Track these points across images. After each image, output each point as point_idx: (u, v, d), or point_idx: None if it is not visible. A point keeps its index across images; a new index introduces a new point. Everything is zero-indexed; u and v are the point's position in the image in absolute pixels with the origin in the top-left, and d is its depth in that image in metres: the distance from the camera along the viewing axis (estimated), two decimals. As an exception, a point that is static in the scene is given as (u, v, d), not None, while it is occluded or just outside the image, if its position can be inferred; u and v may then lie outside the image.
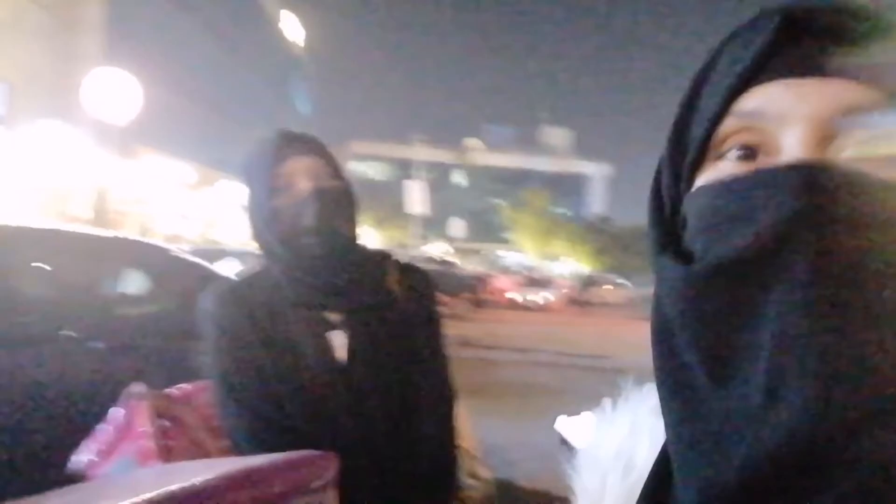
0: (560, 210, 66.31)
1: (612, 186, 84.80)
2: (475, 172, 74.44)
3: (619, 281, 38.92)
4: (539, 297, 26.47)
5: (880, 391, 0.34)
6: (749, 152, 0.42)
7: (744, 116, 0.42)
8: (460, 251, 55.30)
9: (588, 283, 33.15)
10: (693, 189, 0.45)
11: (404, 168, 60.41)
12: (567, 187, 75.37)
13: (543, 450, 5.27)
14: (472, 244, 64.74)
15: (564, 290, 29.75)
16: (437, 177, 69.16)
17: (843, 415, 0.34)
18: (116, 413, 1.44)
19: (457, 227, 41.10)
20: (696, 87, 0.47)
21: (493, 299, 24.57)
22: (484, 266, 49.57)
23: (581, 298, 28.49)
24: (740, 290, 0.38)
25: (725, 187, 0.41)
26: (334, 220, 1.19)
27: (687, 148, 0.46)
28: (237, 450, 1.17)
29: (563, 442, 0.80)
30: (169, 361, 3.18)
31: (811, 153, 0.39)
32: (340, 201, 1.21)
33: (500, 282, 27.58)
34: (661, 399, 0.44)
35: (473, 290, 20.79)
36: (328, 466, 0.82)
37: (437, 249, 38.88)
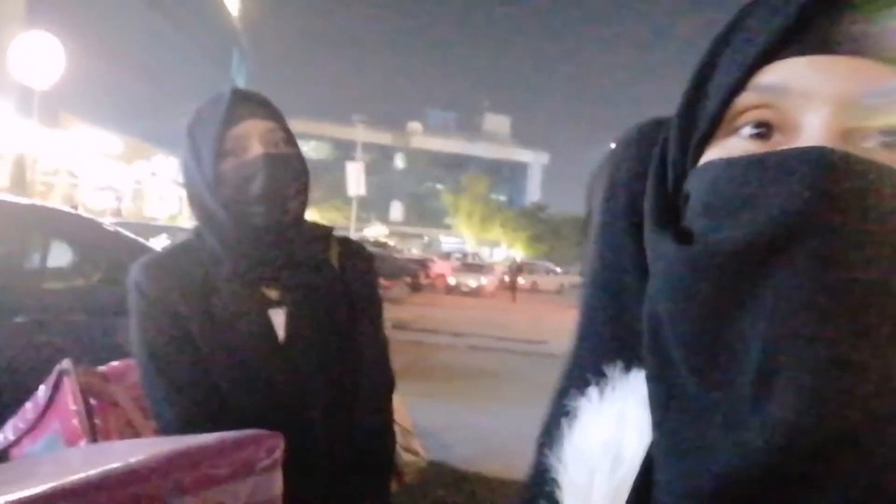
0: (498, 196, 66.92)
1: (548, 174, 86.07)
2: (416, 156, 74.24)
3: (552, 268, 39.71)
4: (475, 281, 26.72)
5: (878, 400, 0.32)
6: (765, 131, 0.39)
7: (763, 92, 0.38)
8: (399, 235, 55.24)
9: (522, 269, 33.61)
10: (700, 164, 0.42)
11: (344, 149, 59.72)
12: (505, 174, 76.04)
13: (478, 433, 5.38)
14: (411, 228, 64.75)
15: (500, 276, 30.14)
16: (378, 159, 68.70)
17: (835, 423, 0.31)
18: (43, 390, 1.37)
19: (396, 210, 40.99)
20: (713, 54, 0.43)
21: (430, 283, 24.65)
22: (422, 250, 49.71)
23: (515, 284, 28.98)
24: (737, 281, 0.35)
25: (733, 167, 0.38)
26: (284, 190, 1.11)
27: (697, 120, 0.43)
28: (165, 431, 1.09)
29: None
30: (97, 337, 3.07)
31: (833, 139, 0.36)
32: (292, 170, 1.13)
33: (439, 266, 27.68)
34: (648, 391, 0.42)
35: (412, 274, 20.81)
36: (275, 446, 0.79)
37: (375, 232, 38.68)
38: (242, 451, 0.75)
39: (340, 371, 1.18)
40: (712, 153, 0.41)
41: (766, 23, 0.39)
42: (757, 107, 0.39)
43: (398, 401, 1.34)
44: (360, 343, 1.22)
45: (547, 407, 0.58)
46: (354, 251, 1.30)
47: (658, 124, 0.51)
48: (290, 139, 1.17)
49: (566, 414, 0.49)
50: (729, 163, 0.39)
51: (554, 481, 0.50)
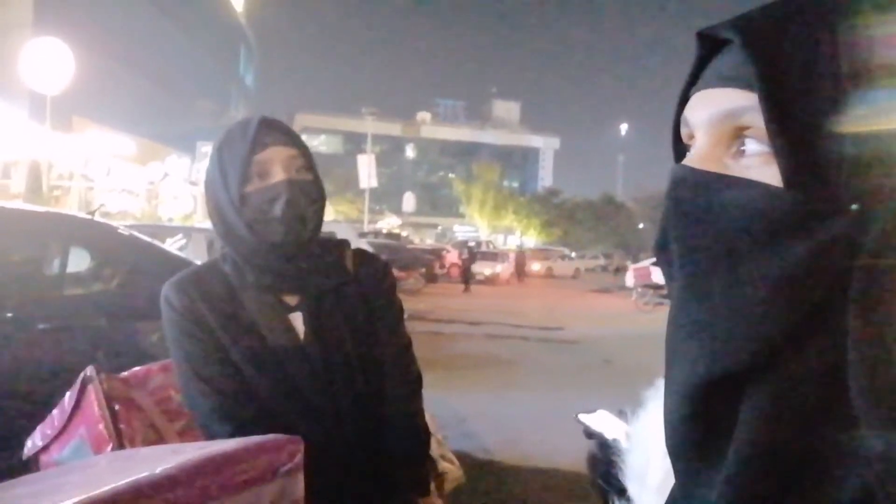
0: (510, 183, 66.72)
1: (560, 159, 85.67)
2: (426, 146, 74.14)
3: (567, 253, 39.59)
4: (489, 269, 26.71)
5: (744, 357, 0.42)
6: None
7: (683, 122, 0.50)
8: (413, 225, 55.26)
9: (537, 255, 33.59)
10: None
11: (354, 142, 59.76)
12: (516, 160, 75.77)
13: (498, 421, 5.40)
14: (424, 218, 64.72)
15: (515, 263, 30.15)
16: (389, 150, 68.69)
17: (717, 376, 0.42)
18: (69, 397, 1.40)
19: (409, 201, 40.99)
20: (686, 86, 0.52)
21: (445, 273, 24.68)
22: (436, 240, 49.68)
23: (522, 270, 29.04)
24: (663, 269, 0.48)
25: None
26: (303, 212, 1.21)
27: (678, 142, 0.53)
28: (206, 432, 1.19)
29: (589, 434, 0.87)
30: (118, 342, 3.12)
31: (703, 152, 0.46)
32: (310, 194, 1.23)
33: (453, 256, 27.69)
34: None
35: (426, 265, 20.82)
36: (296, 450, 0.81)
37: (389, 224, 38.70)
38: (265, 455, 0.77)
39: (364, 371, 1.26)
40: None
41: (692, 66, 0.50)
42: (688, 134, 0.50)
43: (427, 416, 1.39)
44: (381, 344, 1.30)
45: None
46: (369, 259, 1.38)
47: None
48: (309, 165, 1.26)
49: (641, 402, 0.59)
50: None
51: (620, 461, 0.64)
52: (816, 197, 0.40)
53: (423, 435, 1.34)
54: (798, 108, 0.40)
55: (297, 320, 1.24)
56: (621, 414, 0.89)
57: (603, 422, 0.88)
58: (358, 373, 1.25)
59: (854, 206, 0.39)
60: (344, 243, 1.37)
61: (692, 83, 0.48)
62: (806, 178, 0.40)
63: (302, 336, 1.23)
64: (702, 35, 0.47)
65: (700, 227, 0.44)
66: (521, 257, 30.35)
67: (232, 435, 1.07)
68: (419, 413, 1.34)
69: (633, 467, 0.61)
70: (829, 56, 0.40)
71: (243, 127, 1.22)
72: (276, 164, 1.21)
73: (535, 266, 33.13)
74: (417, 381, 1.36)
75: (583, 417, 0.90)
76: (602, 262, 40.89)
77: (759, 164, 0.43)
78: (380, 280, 1.35)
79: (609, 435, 0.85)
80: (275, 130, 1.23)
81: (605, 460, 0.78)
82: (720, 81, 0.45)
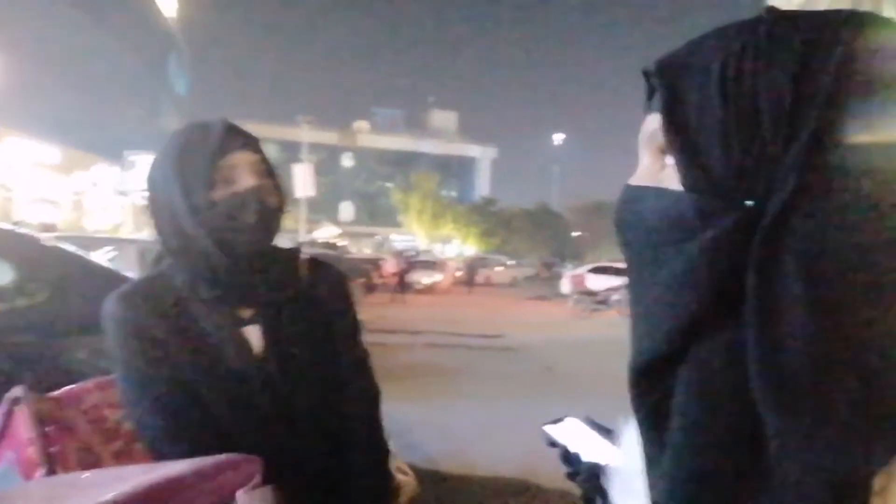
0: (448, 192, 67.03)
1: (497, 168, 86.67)
2: (364, 155, 73.75)
3: (505, 261, 39.98)
4: (428, 278, 26.70)
5: (662, 344, 0.49)
6: None
7: None
8: (351, 235, 54.80)
9: (475, 264, 33.80)
10: None
11: (290, 150, 58.91)
12: (454, 170, 76.16)
13: (441, 431, 5.38)
14: (363, 227, 64.32)
15: (453, 272, 30.24)
16: (326, 159, 68.01)
17: (646, 362, 0.50)
18: (-6, 420, 1.31)
19: (347, 210, 40.62)
20: None
21: (384, 283, 24.55)
22: (374, 249, 49.40)
23: (469, 280, 29.12)
24: None
25: None
26: (273, 218, 1.18)
27: None
28: (156, 453, 1.11)
29: (552, 443, 0.87)
30: (46, 360, 2.95)
31: (642, 170, 0.54)
32: (275, 201, 1.19)
33: (391, 265, 27.59)
34: None
35: (365, 275, 20.66)
36: (253, 471, 0.77)
37: (326, 233, 38.27)
38: (221, 477, 0.73)
39: (323, 384, 1.21)
40: None
41: None
42: None
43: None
44: (339, 355, 1.26)
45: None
46: (324, 268, 1.33)
47: None
48: (270, 171, 1.21)
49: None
50: None
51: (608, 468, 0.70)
52: (710, 198, 0.46)
53: (384, 448, 1.30)
54: (692, 123, 0.47)
55: (252, 333, 1.18)
56: (588, 420, 0.88)
57: (569, 431, 0.87)
58: (316, 387, 1.20)
59: (748, 203, 0.44)
60: (294, 252, 1.32)
61: (646, 112, 0.55)
62: (700, 183, 0.47)
63: (257, 350, 1.17)
64: (645, 72, 0.55)
65: (632, 233, 0.53)
66: (472, 266, 30.38)
67: (185, 455, 1.01)
68: (379, 426, 1.30)
69: (620, 474, 0.65)
70: (719, 77, 0.46)
71: (203, 131, 1.16)
72: (243, 170, 1.15)
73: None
74: (376, 394, 1.33)
75: (547, 428, 0.89)
76: (535, 270, 41.32)
77: (675, 175, 0.49)
78: (336, 290, 1.31)
79: (572, 446, 0.84)
80: (238, 135, 1.18)
81: (576, 472, 0.80)
82: (651, 109, 0.53)
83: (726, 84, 0.46)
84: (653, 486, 0.51)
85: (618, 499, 0.65)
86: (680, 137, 0.48)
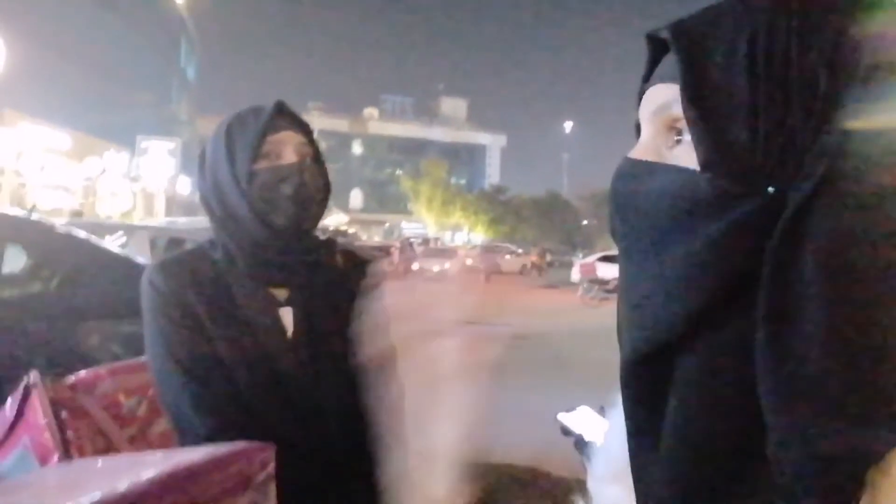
0: (457, 180, 67.01)
1: (507, 156, 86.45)
2: (374, 142, 73.77)
3: (514, 249, 39.96)
4: (438, 266, 26.77)
5: (664, 331, 0.46)
6: None
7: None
8: (360, 222, 54.91)
9: (484, 251, 33.77)
10: None
11: (300, 137, 58.72)
12: (464, 157, 76.11)
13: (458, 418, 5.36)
14: (372, 215, 64.42)
15: (462, 259, 30.25)
16: (336, 146, 68.11)
17: (646, 350, 0.48)
18: (10, 404, 1.32)
19: (356, 197, 40.68)
20: None
21: (392, 270, 24.61)
22: (384, 237, 49.49)
23: (478, 267, 29.14)
24: None
25: None
26: (312, 196, 1.21)
27: None
28: (182, 427, 1.10)
29: (566, 431, 0.87)
30: (60, 346, 2.97)
31: (644, 144, 0.51)
32: (318, 184, 1.23)
33: (396, 256, 27.64)
34: None
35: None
36: (267, 459, 0.77)
37: (336, 221, 38.38)
38: (236, 465, 0.73)
39: (347, 374, 1.21)
40: None
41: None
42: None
43: None
44: (367, 346, 1.26)
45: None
46: (358, 257, 1.36)
47: None
48: (317, 157, 1.25)
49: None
50: None
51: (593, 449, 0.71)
52: (731, 180, 0.43)
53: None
54: (715, 99, 0.44)
55: (286, 316, 1.19)
56: (602, 410, 0.88)
57: (583, 420, 0.87)
58: (344, 374, 1.20)
59: (771, 189, 0.41)
60: (332, 242, 1.35)
61: (645, 81, 0.52)
62: (721, 163, 0.43)
63: (290, 333, 1.19)
64: (650, 37, 0.51)
65: (632, 212, 0.49)
66: (489, 253, 30.18)
67: (212, 430, 1.02)
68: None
69: (595, 462, 0.66)
70: (746, 54, 0.43)
71: (256, 110, 1.21)
72: (289, 147, 1.19)
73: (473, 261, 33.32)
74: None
75: (562, 417, 0.89)
76: (549, 258, 41.31)
77: (689, 152, 0.46)
78: (370, 282, 1.31)
79: (586, 434, 0.84)
80: (289, 116, 1.22)
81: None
82: (660, 79, 0.50)
83: (756, 62, 0.43)
84: (639, 475, 0.50)
85: (598, 486, 0.65)
86: (703, 114, 0.44)
